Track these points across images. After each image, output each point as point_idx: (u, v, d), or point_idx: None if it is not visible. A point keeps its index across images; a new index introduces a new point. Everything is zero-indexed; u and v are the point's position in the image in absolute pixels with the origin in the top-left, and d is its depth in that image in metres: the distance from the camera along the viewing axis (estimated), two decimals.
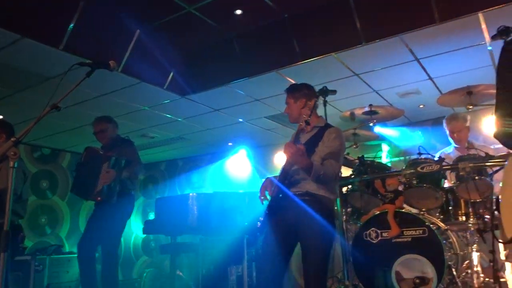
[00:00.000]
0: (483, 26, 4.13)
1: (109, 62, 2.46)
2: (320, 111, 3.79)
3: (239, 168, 7.90)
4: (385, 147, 5.33)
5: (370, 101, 4.78)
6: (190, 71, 5.39)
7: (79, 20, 4.15)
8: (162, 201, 4.67)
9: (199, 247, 5.13)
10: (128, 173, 4.07)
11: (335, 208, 3.63)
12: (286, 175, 2.79)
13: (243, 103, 5.88)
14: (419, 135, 6.70)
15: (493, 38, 3.25)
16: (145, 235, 7.44)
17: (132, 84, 5.10)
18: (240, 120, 6.64)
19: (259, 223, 2.83)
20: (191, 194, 4.14)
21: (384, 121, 4.89)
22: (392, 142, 6.69)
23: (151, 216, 8.01)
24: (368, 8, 4.25)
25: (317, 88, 3.81)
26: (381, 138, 6.64)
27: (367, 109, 3.85)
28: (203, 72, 5.35)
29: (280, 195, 2.78)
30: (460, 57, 4.79)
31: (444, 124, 4.47)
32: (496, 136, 1.70)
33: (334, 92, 3.86)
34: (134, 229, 8.68)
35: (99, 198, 3.97)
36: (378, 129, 6.91)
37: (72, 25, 4.14)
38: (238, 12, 4.53)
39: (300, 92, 3.01)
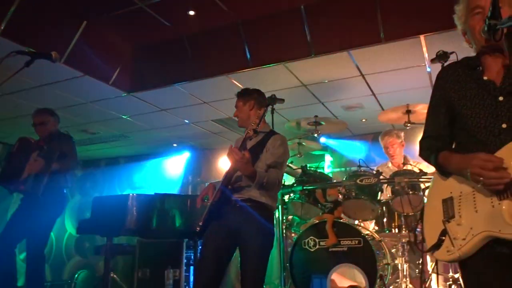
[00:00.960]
0: (424, 48, 4.38)
1: (51, 53, 2.34)
2: (267, 119, 3.85)
3: (180, 170, 7.83)
4: (328, 158, 5.49)
5: (316, 112, 4.90)
6: (138, 68, 5.26)
7: (21, 5, 3.92)
8: (99, 200, 4.49)
9: (136, 249, 4.99)
10: (59, 165, 3.84)
11: (276, 215, 3.67)
12: (229, 181, 2.79)
13: (191, 104, 5.82)
14: (361, 147, 6.97)
15: (432, 61, 3.46)
16: (79, 235, 7.11)
17: (75, 76, 4.88)
18: (186, 121, 6.56)
19: (198, 228, 2.80)
20: (130, 194, 4.01)
21: (328, 132, 5.03)
22: (336, 153, 6.91)
23: (87, 215, 7.68)
24: (319, 22, 4.37)
25: (265, 96, 3.87)
26: (324, 148, 6.84)
27: (312, 119, 3.94)
28: (152, 70, 5.23)
29: (222, 200, 2.77)
30: (402, 76, 5.04)
31: (380, 140, 4.67)
32: (420, 155, 1.82)
33: (282, 100, 3.92)
34: (68, 228, 8.28)
35: (22, 187, 3.73)
36: (323, 140, 7.14)
37: (13, 9, 3.89)
38: (192, 12, 4.48)
39: (250, 96, 3.05)
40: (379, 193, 3.58)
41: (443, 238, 1.56)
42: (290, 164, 3.90)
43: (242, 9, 4.44)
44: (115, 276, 4.95)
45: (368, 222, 3.86)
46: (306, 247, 3.40)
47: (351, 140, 7.04)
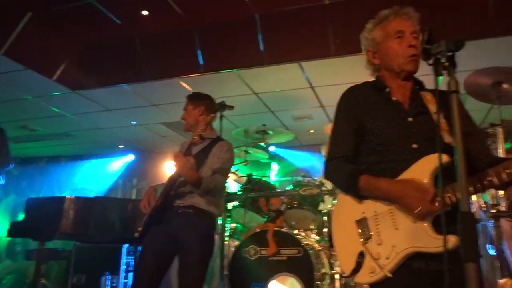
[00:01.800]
0: None
1: None
2: (215, 125, 3.83)
3: (122, 172, 7.64)
4: (275, 166, 5.54)
5: (265, 121, 4.94)
6: (85, 66, 5.06)
7: None
8: (34, 201, 4.25)
9: (71, 254, 4.77)
10: None
11: (218, 223, 3.65)
12: (173, 186, 2.74)
13: (139, 106, 5.69)
14: (309, 158, 7.10)
15: None
16: (10, 237, 6.70)
17: (16, 69, 4.63)
18: (134, 123, 6.39)
19: (137, 233, 2.72)
20: (67, 196, 3.83)
21: (277, 141, 5.08)
22: (284, 162, 6.99)
23: (21, 216, 7.26)
24: (272, 32, 4.41)
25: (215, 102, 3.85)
26: (272, 157, 6.89)
27: (261, 128, 3.96)
28: (99, 69, 5.06)
29: (164, 206, 2.71)
30: None
31: (321, 150, 4.74)
32: (326, 177, 1.80)
33: (231, 107, 3.91)
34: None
35: None
36: (272, 149, 7.20)
37: None
38: (145, 13, 4.39)
39: (201, 101, 3.00)
40: (321, 203, 3.65)
41: (361, 260, 1.53)
42: (235, 172, 3.89)
43: (197, 14, 4.40)
44: (45, 282, 4.70)
45: (310, 232, 3.91)
46: (247, 255, 3.39)
47: (299, 150, 7.16)
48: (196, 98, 3.03)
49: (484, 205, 3.47)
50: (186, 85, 5.01)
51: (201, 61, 4.69)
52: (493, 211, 3.07)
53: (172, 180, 2.72)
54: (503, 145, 3.27)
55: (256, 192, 3.65)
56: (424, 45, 1.35)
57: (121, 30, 4.66)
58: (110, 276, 4.58)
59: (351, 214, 1.62)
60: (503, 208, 3.10)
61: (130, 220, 4.01)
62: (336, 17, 4.15)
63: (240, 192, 3.72)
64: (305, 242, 3.42)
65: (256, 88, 5.17)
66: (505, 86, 3.39)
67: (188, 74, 4.83)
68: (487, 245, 3.54)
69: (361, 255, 1.54)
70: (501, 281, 2.88)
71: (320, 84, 5.09)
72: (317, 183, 3.58)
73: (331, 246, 1.72)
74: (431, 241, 1.41)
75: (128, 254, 4.92)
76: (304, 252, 3.26)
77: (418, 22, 1.66)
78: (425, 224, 1.44)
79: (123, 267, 4.77)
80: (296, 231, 3.74)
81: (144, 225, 2.76)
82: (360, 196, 1.60)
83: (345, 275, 1.62)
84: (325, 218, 3.67)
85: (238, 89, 5.11)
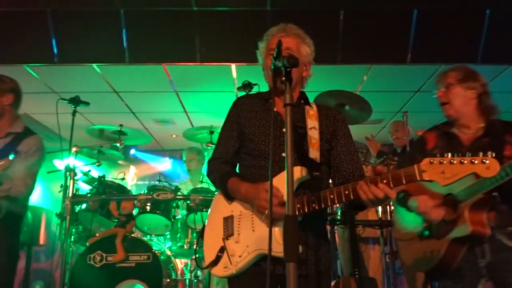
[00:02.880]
0: (234, 76, 4.70)
1: None
2: (66, 120, 3.52)
3: None
4: (132, 169, 5.33)
5: (124, 121, 4.73)
6: None
7: None
8: None
9: None
10: None
11: (62, 226, 3.35)
12: None
13: None
14: (169, 162, 7.00)
15: (238, 89, 3.72)
16: None
17: None
18: None
19: None
20: None
21: (134, 143, 4.90)
22: (143, 165, 6.77)
23: None
24: (137, 30, 4.25)
25: (69, 96, 3.54)
26: (131, 159, 6.63)
27: (118, 128, 3.77)
28: None
29: None
30: (213, 98, 5.29)
31: (182, 154, 4.72)
32: (207, 176, 1.88)
33: (87, 103, 3.65)
34: None
35: None
36: (132, 151, 6.92)
37: None
38: None
39: (11, 89, 2.56)
40: (176, 209, 3.61)
41: (221, 254, 1.63)
42: (86, 173, 3.62)
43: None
44: None
45: (163, 237, 3.84)
46: (91, 262, 3.16)
47: (159, 155, 7.03)
48: (3, 82, 2.57)
49: None
50: (34, 74, 4.53)
51: (55, 51, 4.29)
52: (330, 218, 3.40)
53: None
54: None
55: (107, 194, 3.45)
56: (272, 60, 1.43)
57: None
58: None
59: (222, 211, 1.72)
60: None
61: None
62: (203, 24, 4.19)
63: (89, 195, 3.47)
64: (156, 248, 3.33)
65: (118, 86, 4.93)
66: (347, 108, 3.81)
67: (38, 62, 4.38)
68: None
69: (221, 250, 1.64)
70: (333, 282, 3.20)
71: (184, 90, 5.08)
72: (172, 188, 3.52)
73: (200, 238, 1.74)
74: (276, 246, 1.46)
75: None
76: (153, 258, 3.17)
77: (299, 38, 1.75)
78: (276, 229, 1.53)
79: None
80: (147, 237, 3.63)
81: None
82: (229, 196, 1.71)
83: (204, 266, 1.67)
84: (179, 224, 3.64)
85: (97, 84, 4.81)
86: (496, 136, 1.91)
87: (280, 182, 1.52)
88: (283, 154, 1.63)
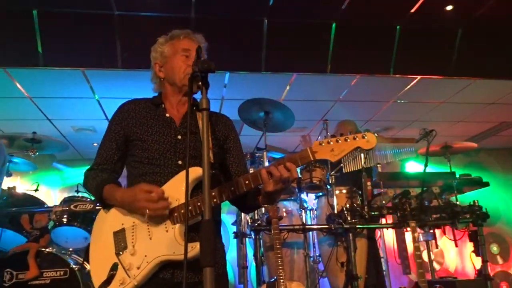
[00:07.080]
0: None
1: None
2: None
3: None
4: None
5: (39, 128, 4.45)
6: None
7: None
8: None
9: None
10: None
11: None
12: None
13: None
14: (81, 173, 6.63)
15: None
16: None
17: None
18: None
19: None
20: None
21: (52, 151, 4.62)
22: (63, 174, 6.39)
23: None
24: (53, 32, 4.02)
25: None
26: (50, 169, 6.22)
27: (30, 136, 3.51)
28: None
29: None
30: None
31: None
32: (84, 186, 1.79)
33: None
34: None
35: None
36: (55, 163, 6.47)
37: None
38: None
39: None
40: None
41: (114, 272, 1.53)
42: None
43: None
44: None
45: (80, 251, 3.64)
46: (0, 282, 2.92)
47: (80, 165, 6.66)
48: None
49: (251, 220, 3.86)
50: None
51: None
52: (255, 224, 3.43)
53: None
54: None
55: (17, 207, 3.20)
56: (192, 64, 1.43)
57: None
58: None
59: (112, 226, 1.62)
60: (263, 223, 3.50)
61: None
62: (124, 30, 4.06)
63: None
64: (74, 263, 3.15)
65: (31, 91, 4.62)
66: (271, 115, 3.89)
67: None
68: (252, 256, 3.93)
69: (114, 267, 1.54)
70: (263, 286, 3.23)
71: (106, 96, 4.88)
72: (92, 198, 3.36)
73: (85, 261, 1.64)
74: (179, 248, 1.47)
75: None
76: (70, 274, 3.00)
77: (205, 50, 1.74)
78: (175, 231, 1.51)
79: None
80: (64, 251, 3.43)
81: None
82: (108, 206, 1.64)
83: None
84: None
85: (8, 89, 4.47)
86: None
87: (173, 185, 1.56)
88: (179, 162, 1.63)
